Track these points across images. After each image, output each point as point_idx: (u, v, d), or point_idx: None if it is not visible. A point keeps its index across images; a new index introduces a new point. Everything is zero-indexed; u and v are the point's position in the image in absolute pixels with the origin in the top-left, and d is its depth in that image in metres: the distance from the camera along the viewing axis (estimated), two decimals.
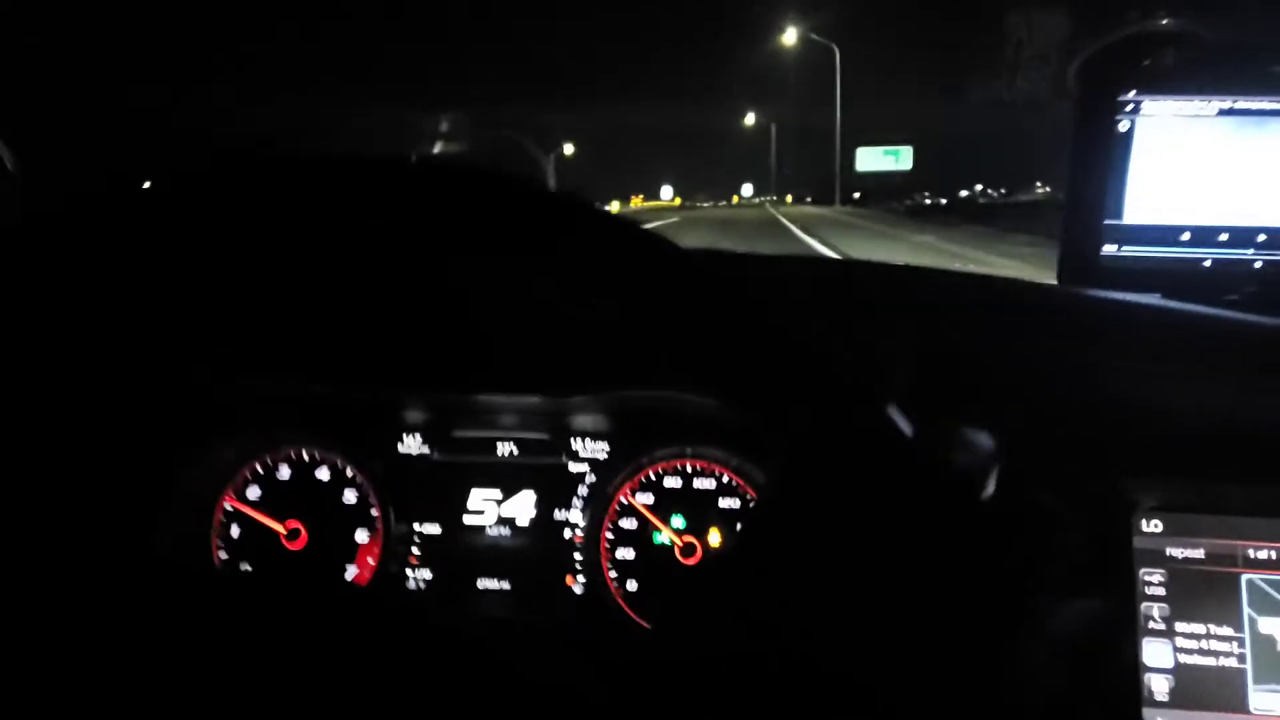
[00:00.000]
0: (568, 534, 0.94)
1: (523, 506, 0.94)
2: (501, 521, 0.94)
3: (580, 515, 0.94)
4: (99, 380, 0.79)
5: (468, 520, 0.94)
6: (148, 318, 0.76)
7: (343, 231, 0.71)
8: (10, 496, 0.75)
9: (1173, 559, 0.79)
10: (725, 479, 0.93)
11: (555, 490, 0.94)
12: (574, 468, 0.94)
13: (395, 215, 0.46)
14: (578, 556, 0.93)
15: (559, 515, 0.94)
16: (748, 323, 0.44)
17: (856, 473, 0.46)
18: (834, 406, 0.45)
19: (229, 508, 0.92)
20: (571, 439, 0.95)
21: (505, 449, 0.95)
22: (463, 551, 0.94)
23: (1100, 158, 0.89)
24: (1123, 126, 0.87)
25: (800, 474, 0.47)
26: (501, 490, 0.95)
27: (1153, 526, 0.80)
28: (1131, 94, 0.86)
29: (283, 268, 0.80)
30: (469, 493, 0.94)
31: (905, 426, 0.49)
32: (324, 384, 0.82)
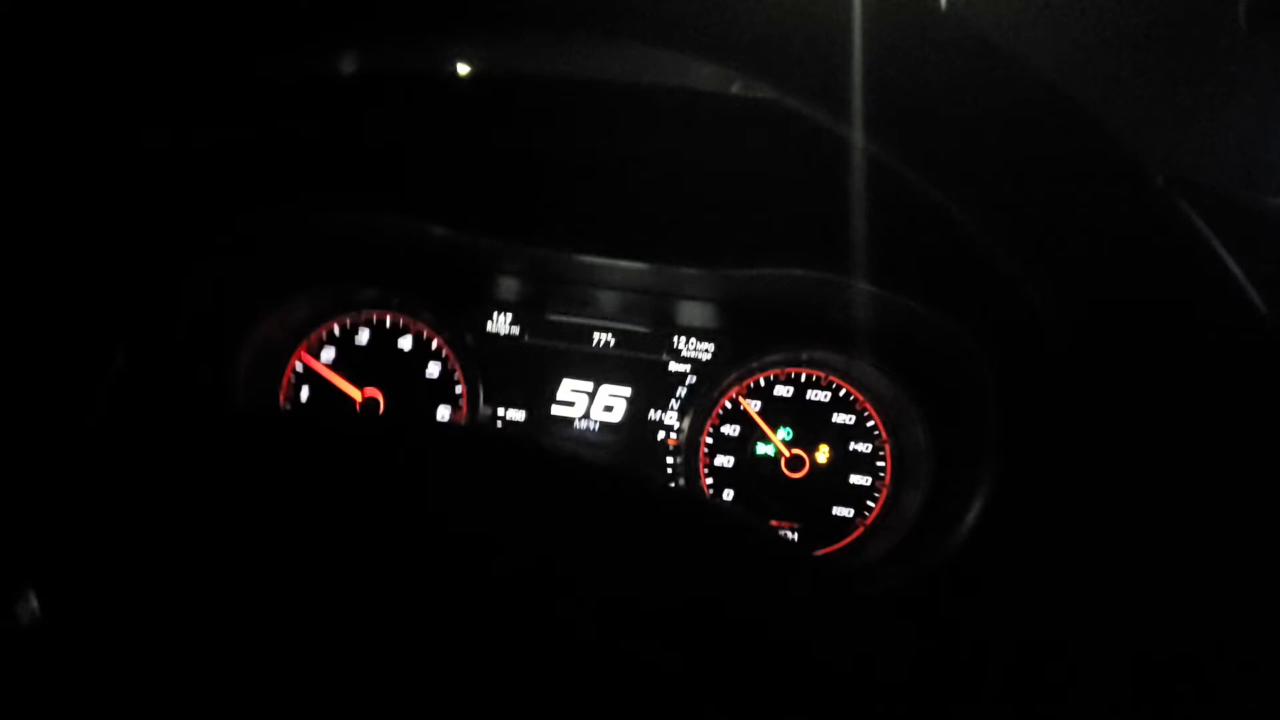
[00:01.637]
0: (661, 436, 0.86)
1: (616, 402, 0.87)
2: (591, 416, 0.86)
3: (677, 418, 0.86)
4: (171, 212, 0.70)
5: (555, 411, 0.86)
6: (231, 142, 0.67)
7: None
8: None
9: None
10: (842, 393, 0.85)
11: (652, 388, 0.86)
12: (675, 367, 0.86)
13: None
14: (670, 460, 0.86)
15: (654, 416, 0.86)
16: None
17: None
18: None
19: (300, 368, 0.84)
20: (674, 336, 0.87)
21: (602, 339, 0.87)
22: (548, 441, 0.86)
23: None
24: None
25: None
26: (594, 383, 0.86)
27: None
28: None
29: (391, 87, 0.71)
30: (559, 382, 0.86)
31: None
32: (414, 220, 0.72)
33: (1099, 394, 0.33)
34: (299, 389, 0.83)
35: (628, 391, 0.87)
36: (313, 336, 0.83)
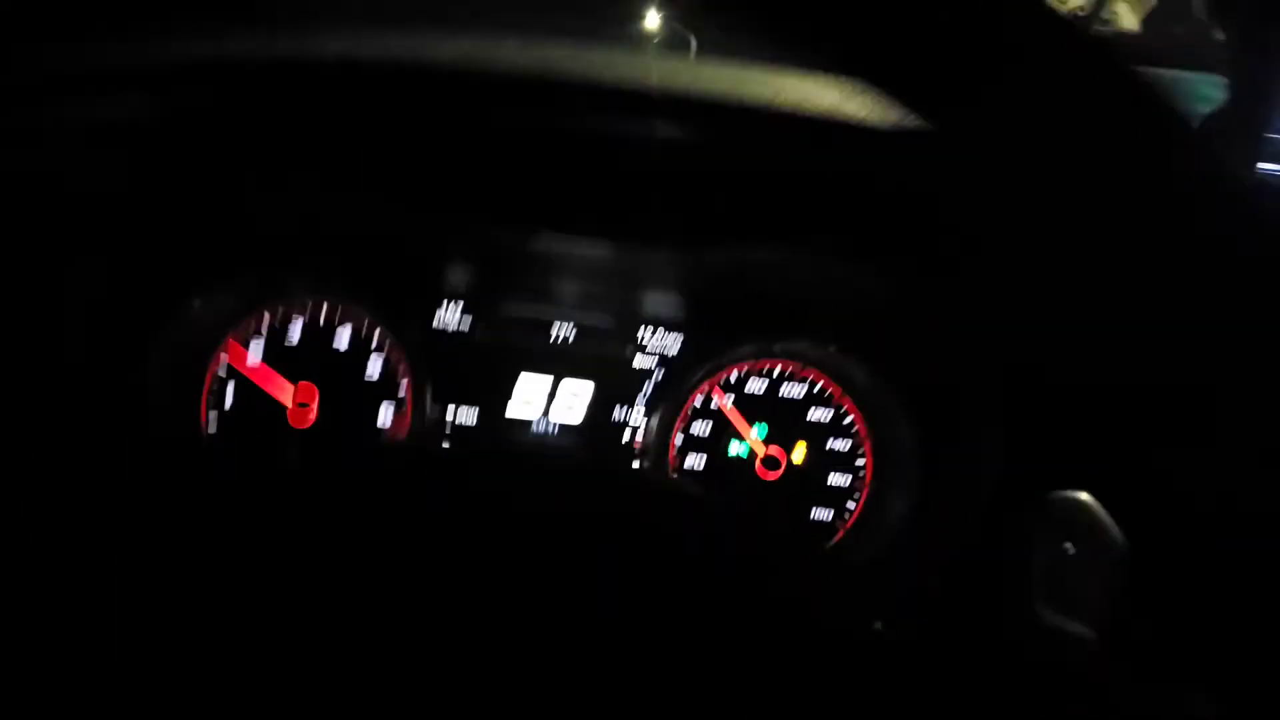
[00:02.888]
0: (627, 436, 0.80)
1: (577, 401, 0.80)
2: (550, 416, 0.80)
3: (644, 417, 0.80)
4: (77, 193, 0.61)
5: (511, 412, 0.79)
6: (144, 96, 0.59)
7: None
8: None
9: None
10: (818, 387, 0.80)
11: (617, 385, 0.80)
12: (640, 362, 0.80)
13: None
14: (638, 463, 0.79)
15: (619, 415, 0.80)
16: None
17: None
18: None
19: (225, 370, 0.75)
20: (639, 329, 0.80)
21: (561, 333, 0.80)
22: (502, 448, 0.79)
23: None
24: None
25: None
26: (553, 380, 0.80)
27: None
28: None
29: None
30: (515, 380, 0.79)
31: None
32: (357, 196, 0.64)
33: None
34: (224, 390, 0.75)
35: (590, 389, 0.80)
36: (240, 330, 0.75)
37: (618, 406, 0.80)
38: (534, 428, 0.79)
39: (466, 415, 0.78)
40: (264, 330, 0.75)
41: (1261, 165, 0.83)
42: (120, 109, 0.58)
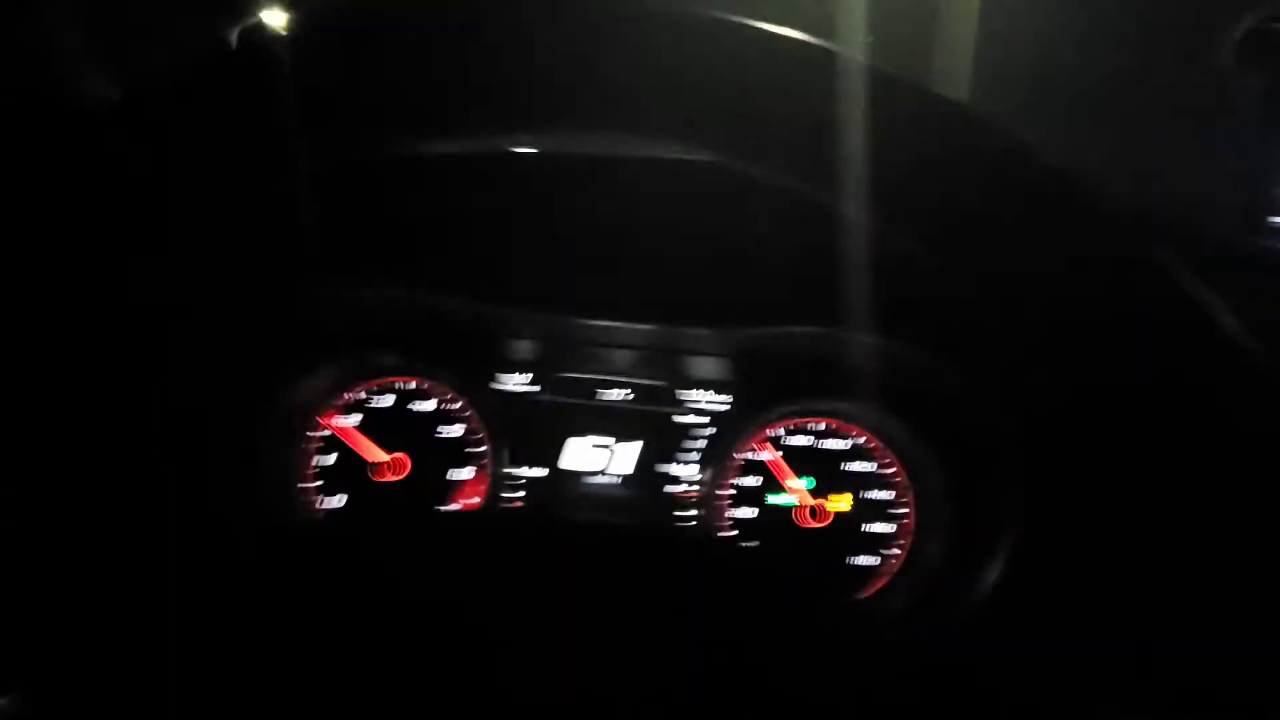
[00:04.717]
0: (680, 489, 0.87)
1: (634, 457, 0.87)
2: (610, 471, 0.87)
3: (693, 470, 0.86)
4: (203, 293, 0.73)
5: (570, 466, 0.87)
6: (252, 222, 0.71)
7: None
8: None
9: None
10: (861, 440, 0.85)
11: (670, 441, 0.87)
12: (691, 419, 0.87)
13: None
14: (690, 513, 0.86)
15: (672, 469, 0.87)
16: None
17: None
18: None
19: (324, 433, 0.86)
20: (689, 389, 0.87)
21: (616, 393, 0.88)
22: (563, 500, 0.87)
23: None
24: None
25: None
26: (612, 437, 0.87)
27: None
28: None
29: (405, 169, 0.74)
30: (573, 437, 0.87)
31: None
32: (433, 294, 0.75)
33: (1110, 445, 0.34)
34: (325, 453, 0.86)
35: (643, 446, 0.87)
36: (338, 402, 0.86)
37: (670, 461, 0.87)
38: (595, 480, 0.87)
39: (536, 472, 0.87)
40: (360, 402, 0.86)
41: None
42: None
